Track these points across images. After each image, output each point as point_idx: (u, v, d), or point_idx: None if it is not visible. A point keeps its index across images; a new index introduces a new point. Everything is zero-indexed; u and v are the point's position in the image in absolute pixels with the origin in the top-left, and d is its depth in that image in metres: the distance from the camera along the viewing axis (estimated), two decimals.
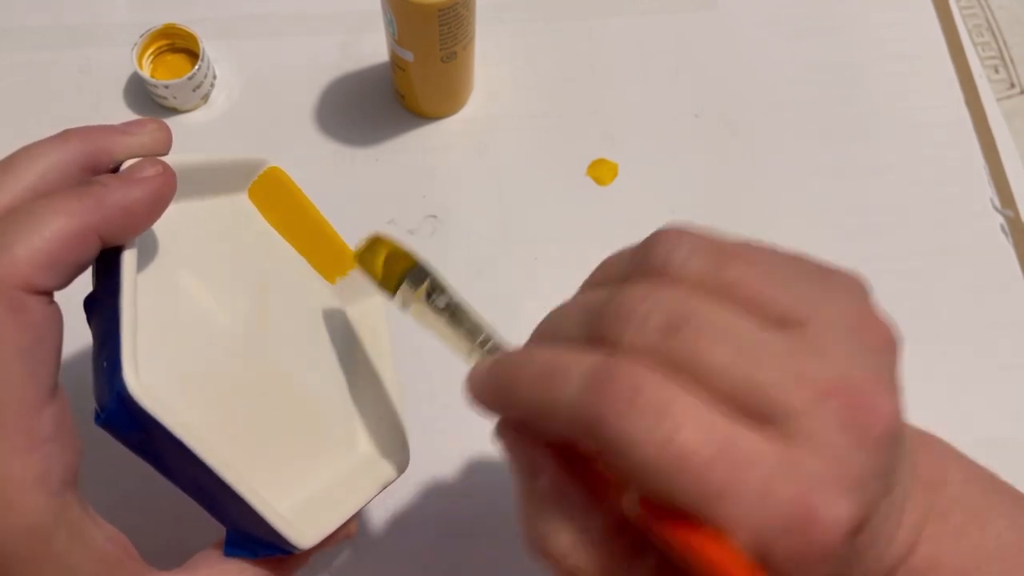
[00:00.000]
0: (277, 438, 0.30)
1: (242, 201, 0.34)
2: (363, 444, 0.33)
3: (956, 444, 0.26)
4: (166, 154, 0.28)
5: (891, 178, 0.48)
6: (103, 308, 0.24)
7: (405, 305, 0.29)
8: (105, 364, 0.23)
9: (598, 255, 0.24)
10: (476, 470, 0.40)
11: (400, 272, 0.29)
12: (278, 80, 0.48)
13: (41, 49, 0.49)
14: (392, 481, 0.32)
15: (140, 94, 0.48)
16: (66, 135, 0.25)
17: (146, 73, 0.45)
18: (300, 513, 0.27)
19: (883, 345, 0.21)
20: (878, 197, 0.47)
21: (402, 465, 0.32)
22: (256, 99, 0.48)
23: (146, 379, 0.23)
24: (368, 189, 0.46)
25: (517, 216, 0.46)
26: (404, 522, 0.39)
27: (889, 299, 0.44)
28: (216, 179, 0.32)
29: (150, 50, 0.47)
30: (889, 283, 0.45)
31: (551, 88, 0.49)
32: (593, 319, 0.21)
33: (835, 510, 0.19)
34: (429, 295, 0.28)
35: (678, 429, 0.19)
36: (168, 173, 0.26)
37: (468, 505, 0.40)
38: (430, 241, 0.45)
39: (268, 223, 0.34)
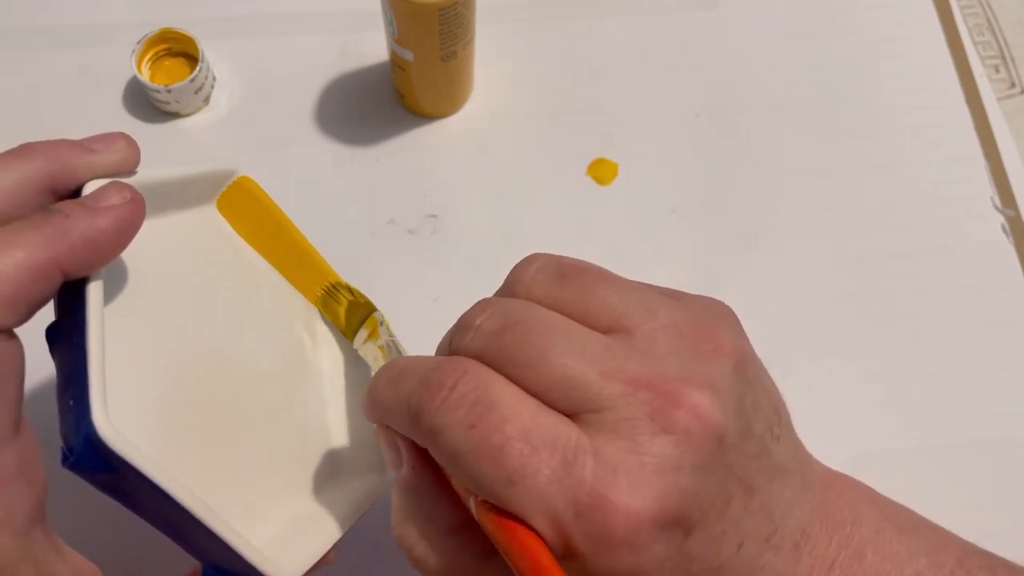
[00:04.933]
0: (253, 466, 0.29)
1: (211, 212, 0.32)
2: (345, 467, 0.32)
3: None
4: (134, 173, 0.26)
5: (891, 178, 0.48)
6: (68, 342, 0.23)
7: (359, 345, 0.33)
8: (72, 403, 0.22)
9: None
10: None
11: (359, 320, 0.33)
12: (278, 80, 0.48)
13: (40, 49, 0.49)
14: (371, 501, 0.30)
15: (139, 99, 0.47)
16: (27, 151, 0.24)
17: (146, 78, 0.45)
18: (277, 544, 0.26)
19: (713, 351, 0.22)
20: (878, 196, 0.47)
21: (382, 484, 0.31)
22: (255, 100, 0.48)
23: (114, 417, 0.22)
24: (368, 189, 0.46)
25: (517, 216, 0.46)
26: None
27: (889, 299, 0.45)
28: (185, 192, 0.30)
29: (148, 55, 0.46)
30: (889, 283, 0.46)
31: (551, 88, 0.49)
32: (452, 332, 0.23)
33: (627, 495, 0.19)
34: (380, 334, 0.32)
35: (482, 416, 0.20)
36: (136, 200, 0.24)
37: None
38: (430, 241, 0.45)
39: (238, 235, 0.33)
